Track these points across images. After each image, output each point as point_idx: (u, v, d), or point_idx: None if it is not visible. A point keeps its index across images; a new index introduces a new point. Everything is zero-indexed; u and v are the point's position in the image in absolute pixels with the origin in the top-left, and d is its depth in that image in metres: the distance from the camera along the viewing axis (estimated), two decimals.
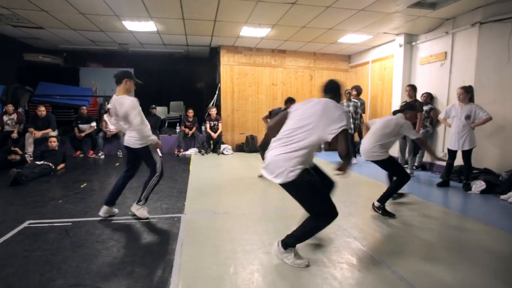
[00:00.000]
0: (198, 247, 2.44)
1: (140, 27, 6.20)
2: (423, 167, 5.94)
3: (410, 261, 2.30)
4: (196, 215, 3.21)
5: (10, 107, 6.55)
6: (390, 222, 3.14)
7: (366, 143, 3.44)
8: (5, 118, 6.52)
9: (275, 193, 4.03)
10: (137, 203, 3.09)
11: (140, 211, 3.06)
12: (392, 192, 3.35)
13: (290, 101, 4.80)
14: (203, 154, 7.39)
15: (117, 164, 6.09)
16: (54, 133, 6.60)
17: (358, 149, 7.73)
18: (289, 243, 2.17)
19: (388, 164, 3.38)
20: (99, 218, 3.06)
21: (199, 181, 4.70)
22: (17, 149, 5.77)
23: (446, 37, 5.53)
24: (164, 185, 4.43)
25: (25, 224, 2.89)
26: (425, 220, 3.22)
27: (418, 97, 5.69)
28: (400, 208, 3.56)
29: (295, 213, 3.35)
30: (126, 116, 2.89)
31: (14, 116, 6.58)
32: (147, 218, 3.05)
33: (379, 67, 7.64)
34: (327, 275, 2.09)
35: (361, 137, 7.37)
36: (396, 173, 3.40)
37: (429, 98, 5.72)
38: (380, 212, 3.27)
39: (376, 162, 3.41)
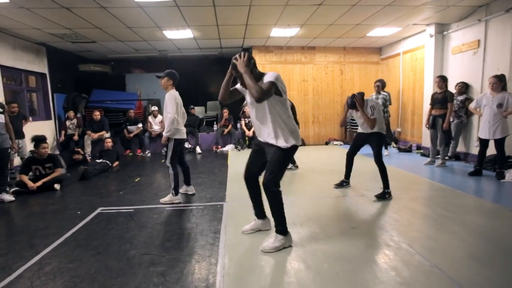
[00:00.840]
0: (238, 227, 2.88)
1: (179, 35, 6.79)
2: (457, 157, 5.92)
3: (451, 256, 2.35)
4: (236, 202, 3.66)
5: (71, 113, 7.51)
6: (424, 213, 3.35)
7: None
8: (67, 123, 7.48)
9: (309, 181, 4.37)
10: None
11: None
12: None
13: None
14: (239, 150, 7.89)
15: (162, 161, 6.76)
16: (108, 135, 7.45)
17: (390, 141, 7.80)
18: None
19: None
20: (155, 206, 3.63)
21: (236, 173, 5.16)
22: (79, 149, 6.65)
23: (478, 25, 5.45)
24: (206, 178, 4.96)
25: (98, 211, 3.52)
26: (457, 209, 3.37)
27: (452, 87, 5.68)
28: (432, 197, 3.74)
29: (324, 201, 3.68)
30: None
31: (75, 121, 7.53)
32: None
33: (410, 58, 7.59)
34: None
35: (388, 128, 7.43)
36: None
37: (465, 87, 5.68)
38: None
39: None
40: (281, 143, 2.39)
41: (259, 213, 2.77)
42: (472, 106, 4.81)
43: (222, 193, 4.06)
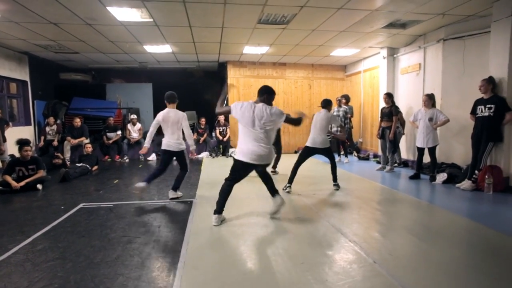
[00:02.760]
0: (204, 217, 3.42)
1: (158, 49, 7.35)
2: (405, 164, 6.76)
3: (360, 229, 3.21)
4: (204, 199, 4.21)
5: (51, 120, 7.80)
6: (360, 206, 4.04)
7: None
8: (47, 129, 7.76)
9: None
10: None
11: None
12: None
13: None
14: (213, 157, 8.42)
15: (140, 166, 7.19)
16: (87, 141, 7.78)
17: (350, 151, 8.59)
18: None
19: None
20: (132, 202, 4.11)
21: (208, 177, 5.71)
22: (59, 154, 6.96)
23: (419, 51, 6.38)
24: None
25: (80, 205, 3.96)
26: (386, 203, 4.09)
27: (402, 104, 6.55)
28: (371, 195, 4.46)
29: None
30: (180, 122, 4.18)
31: (54, 127, 7.82)
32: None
33: (369, 76, 8.51)
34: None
35: (350, 139, 8.23)
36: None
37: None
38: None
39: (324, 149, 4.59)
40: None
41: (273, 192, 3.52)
42: (411, 119, 5.65)
43: (193, 192, 4.59)
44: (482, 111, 4.50)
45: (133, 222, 3.36)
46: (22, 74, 7.51)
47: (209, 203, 3.94)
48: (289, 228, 3.16)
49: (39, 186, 4.85)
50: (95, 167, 6.66)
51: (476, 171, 4.55)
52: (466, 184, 4.61)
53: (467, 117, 4.97)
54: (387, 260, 2.41)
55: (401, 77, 7.08)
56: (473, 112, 4.68)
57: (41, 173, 4.98)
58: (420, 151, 5.43)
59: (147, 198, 4.28)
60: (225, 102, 9.30)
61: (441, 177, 5.15)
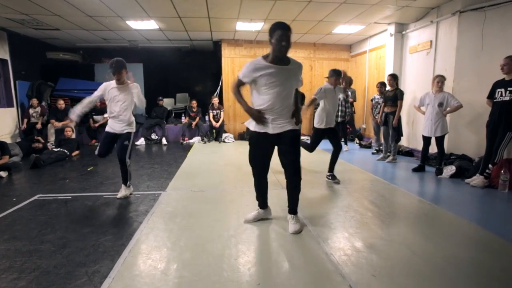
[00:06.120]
0: (165, 214, 2.96)
1: (143, 25, 6.76)
2: (410, 153, 6.14)
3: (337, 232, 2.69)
4: (174, 192, 3.74)
5: (35, 101, 7.39)
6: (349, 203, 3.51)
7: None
8: (30, 111, 7.38)
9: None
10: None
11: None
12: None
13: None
14: (205, 142, 7.94)
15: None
16: (72, 124, 7.37)
17: (352, 137, 8.00)
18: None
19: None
20: (93, 194, 3.67)
21: (190, 165, 5.24)
22: (39, 138, 6.58)
23: (431, 26, 5.62)
24: (159, 168, 5.02)
25: (35, 197, 3.55)
26: (382, 201, 3.54)
27: (408, 85, 5.87)
28: (368, 193, 3.91)
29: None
30: None
31: (38, 109, 7.43)
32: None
33: (375, 56, 7.75)
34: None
35: (352, 124, 7.61)
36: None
37: (384, 87, 5.99)
38: (330, 178, 4.08)
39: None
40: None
41: (264, 204, 2.86)
42: (416, 104, 4.99)
43: (166, 183, 4.12)
44: (502, 95, 3.81)
45: (81, 219, 2.92)
46: (1, 52, 7.06)
47: (179, 196, 3.48)
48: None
49: (3, 174, 4.47)
50: (76, 152, 6.28)
51: (490, 165, 3.92)
52: (477, 180, 4.00)
53: (482, 102, 4.29)
54: (369, 284, 1.89)
55: (410, 56, 6.34)
56: (491, 96, 3.99)
57: (6, 159, 4.60)
58: (426, 140, 4.80)
59: (112, 189, 3.83)
60: (219, 84, 8.73)
61: (449, 170, 4.54)
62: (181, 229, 2.69)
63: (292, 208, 2.69)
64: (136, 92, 3.48)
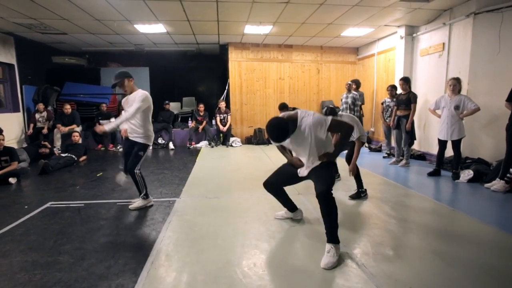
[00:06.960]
0: (183, 222, 2.87)
1: (151, 29, 6.70)
2: (422, 157, 6.05)
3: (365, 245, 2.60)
4: (189, 199, 3.65)
5: (41, 106, 7.33)
6: (368, 210, 3.41)
7: None
8: (37, 115, 7.31)
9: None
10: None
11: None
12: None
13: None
14: (212, 147, 7.86)
15: (120, 167, 6.67)
16: (79, 129, 7.31)
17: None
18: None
19: None
20: (106, 201, 3.59)
21: (201, 170, 5.15)
22: (46, 143, 6.51)
23: (443, 28, 5.55)
24: (169, 174, 4.93)
25: (47, 205, 3.46)
26: (401, 207, 3.45)
27: (420, 88, 5.79)
28: (386, 197, 3.81)
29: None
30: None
31: (45, 113, 7.36)
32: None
33: (384, 59, 7.69)
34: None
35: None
36: None
37: (395, 91, 5.91)
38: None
39: None
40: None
41: (291, 209, 2.95)
42: (431, 108, 4.91)
43: (179, 189, 4.04)
44: None
45: (97, 228, 2.84)
46: (8, 57, 7.01)
47: (194, 202, 3.39)
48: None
49: (12, 180, 4.39)
50: (83, 157, 6.19)
51: (511, 170, 3.84)
52: (498, 184, 3.90)
53: (500, 105, 4.21)
54: None
55: (421, 59, 6.27)
56: (510, 99, 3.91)
57: (15, 165, 4.52)
58: (442, 144, 4.71)
59: (125, 196, 3.75)
60: (226, 87, 8.67)
61: (466, 174, 4.44)
62: (202, 238, 2.60)
63: (327, 235, 2.34)
64: (135, 104, 3.17)
